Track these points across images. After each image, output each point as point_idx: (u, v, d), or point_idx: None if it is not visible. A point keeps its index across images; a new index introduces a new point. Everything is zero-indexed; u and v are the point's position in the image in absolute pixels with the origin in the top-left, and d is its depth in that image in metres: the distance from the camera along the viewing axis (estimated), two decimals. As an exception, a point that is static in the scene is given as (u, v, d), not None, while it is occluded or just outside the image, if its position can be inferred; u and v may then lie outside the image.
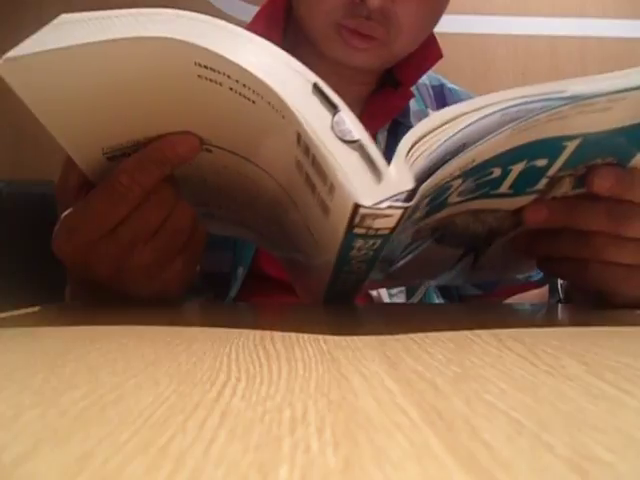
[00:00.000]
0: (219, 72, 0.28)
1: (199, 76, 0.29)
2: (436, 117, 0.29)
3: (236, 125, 0.32)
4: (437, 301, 0.62)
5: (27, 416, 0.13)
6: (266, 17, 0.61)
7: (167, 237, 0.36)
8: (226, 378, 0.17)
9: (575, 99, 0.29)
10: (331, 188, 0.27)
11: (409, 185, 0.26)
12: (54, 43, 0.28)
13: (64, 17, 0.29)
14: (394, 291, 0.59)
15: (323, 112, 0.27)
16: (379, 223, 0.27)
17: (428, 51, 0.61)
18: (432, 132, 0.28)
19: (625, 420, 0.13)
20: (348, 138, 0.26)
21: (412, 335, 0.25)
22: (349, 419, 0.13)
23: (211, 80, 0.29)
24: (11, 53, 0.28)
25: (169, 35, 0.28)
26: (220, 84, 0.29)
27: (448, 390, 0.16)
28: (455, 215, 0.36)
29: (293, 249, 0.42)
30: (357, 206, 0.26)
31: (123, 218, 0.34)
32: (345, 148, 0.26)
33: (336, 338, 0.24)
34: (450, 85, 0.69)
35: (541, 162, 0.34)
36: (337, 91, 0.27)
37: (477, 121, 0.28)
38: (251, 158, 0.35)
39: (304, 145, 0.28)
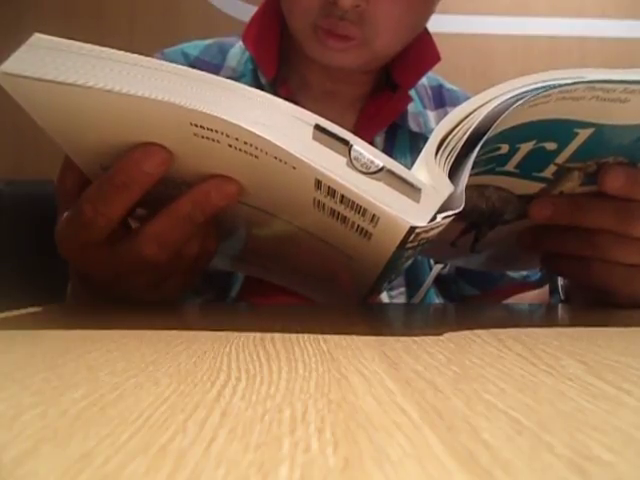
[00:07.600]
0: (216, 131, 0.27)
1: (195, 134, 0.28)
2: (455, 114, 0.28)
3: (240, 179, 0.31)
4: (437, 301, 0.62)
5: (27, 416, 0.13)
6: (262, 20, 0.61)
7: (169, 270, 0.35)
8: (226, 378, 0.17)
9: (592, 82, 0.29)
10: (373, 219, 0.27)
11: (449, 189, 0.26)
12: (43, 72, 0.26)
13: (40, 38, 0.27)
14: (394, 292, 0.59)
15: (335, 153, 0.26)
16: (432, 232, 0.27)
17: (426, 54, 0.61)
18: (454, 130, 0.28)
19: (625, 420, 0.13)
20: (373, 169, 0.26)
21: (412, 335, 0.25)
22: (349, 419, 0.13)
23: (208, 138, 0.28)
24: (5, 66, 0.26)
25: (161, 97, 0.26)
26: (218, 142, 0.28)
27: (448, 390, 0.16)
28: None
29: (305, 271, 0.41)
30: (412, 228, 0.26)
31: (100, 242, 0.33)
32: (373, 181, 0.26)
33: (336, 338, 0.24)
34: (448, 86, 0.69)
35: (550, 146, 0.33)
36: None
37: (494, 109, 0.28)
38: (264, 208, 0.34)
39: (326, 188, 0.27)
